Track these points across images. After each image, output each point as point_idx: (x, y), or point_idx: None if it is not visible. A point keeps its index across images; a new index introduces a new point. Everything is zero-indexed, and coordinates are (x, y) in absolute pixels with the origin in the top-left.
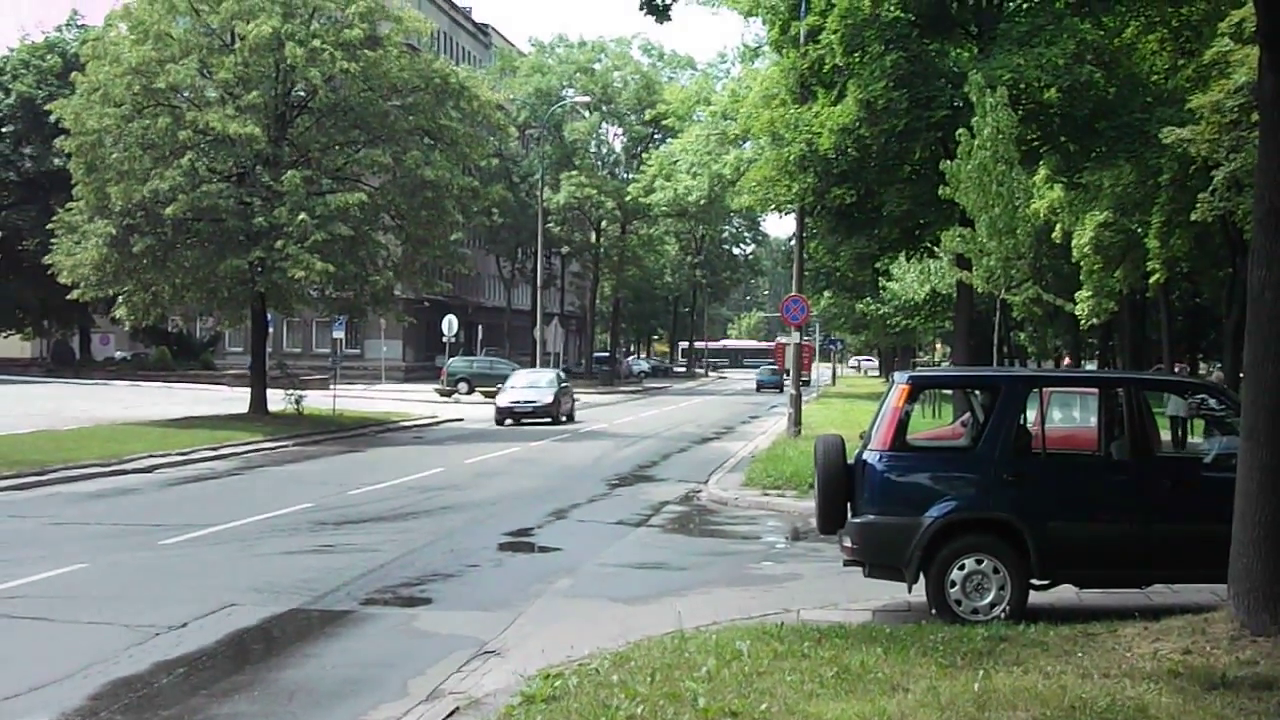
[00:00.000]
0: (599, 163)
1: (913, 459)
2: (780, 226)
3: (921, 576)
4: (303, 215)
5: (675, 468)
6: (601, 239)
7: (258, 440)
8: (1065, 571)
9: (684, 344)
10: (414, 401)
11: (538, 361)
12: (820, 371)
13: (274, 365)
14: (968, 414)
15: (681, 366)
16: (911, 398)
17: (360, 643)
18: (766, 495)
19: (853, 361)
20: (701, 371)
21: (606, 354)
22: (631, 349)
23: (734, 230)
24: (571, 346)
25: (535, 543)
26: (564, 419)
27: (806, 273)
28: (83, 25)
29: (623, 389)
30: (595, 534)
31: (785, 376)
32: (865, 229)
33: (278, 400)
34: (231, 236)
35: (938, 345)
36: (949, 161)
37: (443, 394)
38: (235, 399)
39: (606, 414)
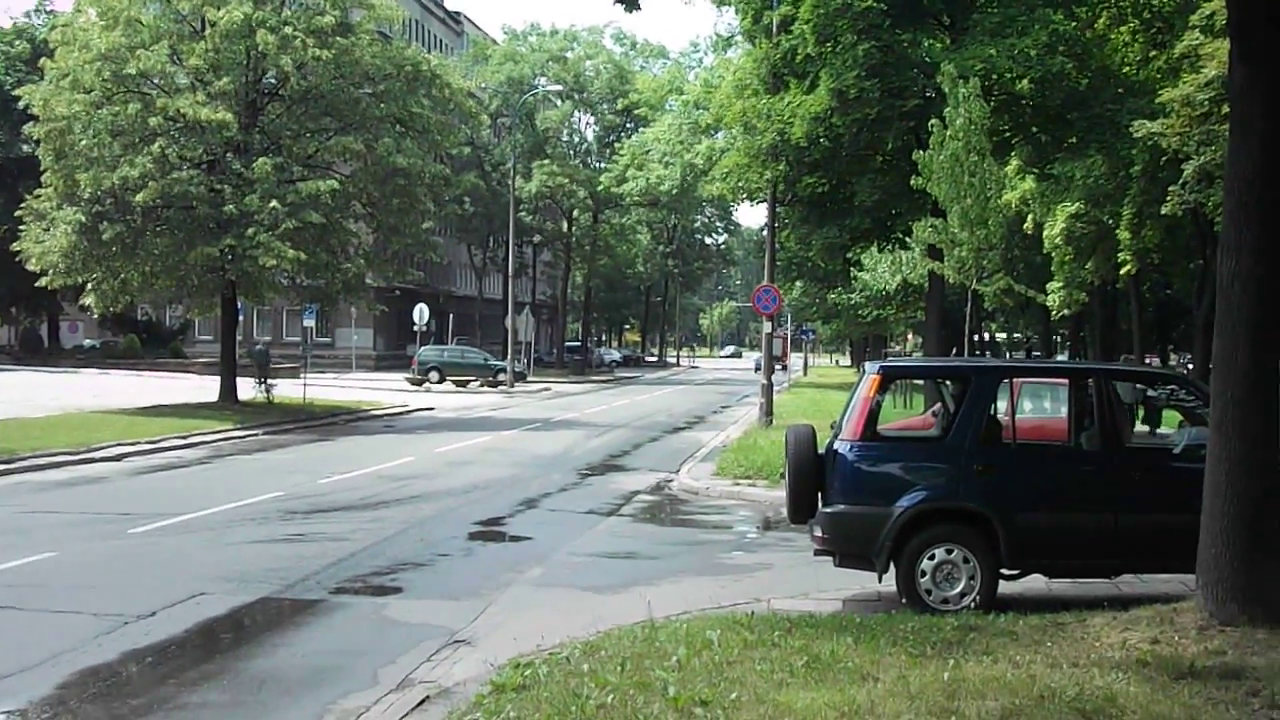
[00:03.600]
0: (571, 151)
1: (883, 449)
2: (752, 216)
3: (892, 566)
4: (274, 202)
5: (646, 457)
6: (573, 228)
7: (227, 429)
8: (1035, 561)
9: (664, 338)
10: (385, 390)
11: (508, 350)
12: (793, 363)
13: (246, 353)
14: (939, 404)
15: (653, 356)
16: (882, 388)
17: (330, 632)
18: (738, 485)
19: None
20: (674, 361)
21: (578, 343)
22: (603, 338)
23: (706, 220)
24: (543, 335)
25: (506, 532)
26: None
27: (778, 263)
28: (52, 11)
29: (594, 378)
30: (566, 523)
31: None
32: (837, 219)
33: (248, 389)
34: (202, 224)
35: (909, 336)
36: (921, 152)
37: (414, 383)
38: (205, 387)
39: (578, 403)
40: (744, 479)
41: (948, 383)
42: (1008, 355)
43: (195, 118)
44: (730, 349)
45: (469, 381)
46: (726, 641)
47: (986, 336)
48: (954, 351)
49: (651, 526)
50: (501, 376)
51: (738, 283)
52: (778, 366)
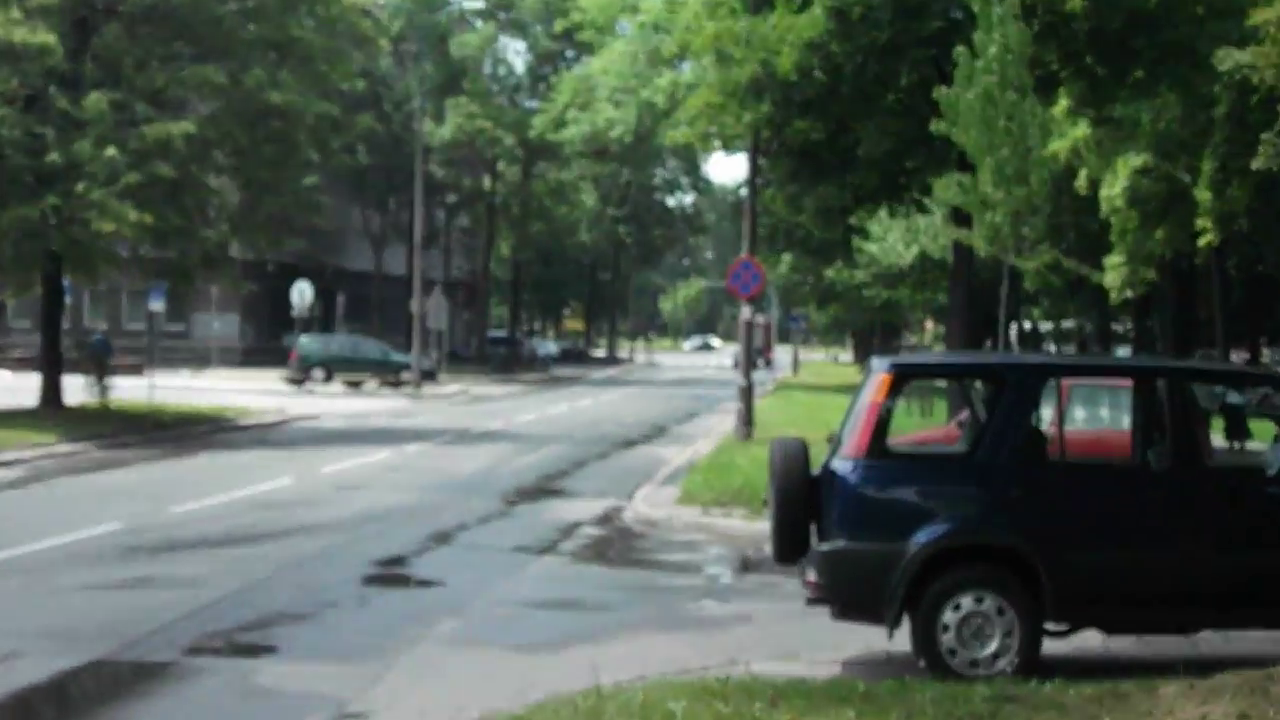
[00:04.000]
0: (495, 87)
1: (895, 469)
2: (727, 170)
3: (906, 619)
4: (111, 150)
5: (592, 479)
6: (498, 185)
7: (50, 442)
8: (1089, 613)
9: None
10: (256, 393)
11: (414, 341)
12: (779, 357)
13: (75, 345)
14: (965, 412)
15: (600, 349)
16: (894, 391)
17: (184, 705)
18: (708, 515)
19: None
20: (627, 356)
21: (504, 333)
22: (537, 327)
23: (668, 175)
24: (459, 323)
25: (411, 574)
26: None
27: (761, 230)
28: None
29: (525, 378)
30: (488, 563)
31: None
32: (836, 174)
33: (78, 391)
34: (16, 178)
35: (928, 324)
36: (944, 88)
37: (293, 383)
38: (20, 389)
39: (504, 409)
40: (716, 507)
41: (977, 384)
42: (1054, 349)
43: (8, 40)
44: (699, 340)
45: (364, 381)
46: (694, 715)
47: (1027, 326)
48: (987, 345)
49: (598, 567)
50: (406, 375)
51: (708, 256)
52: (759, 363)
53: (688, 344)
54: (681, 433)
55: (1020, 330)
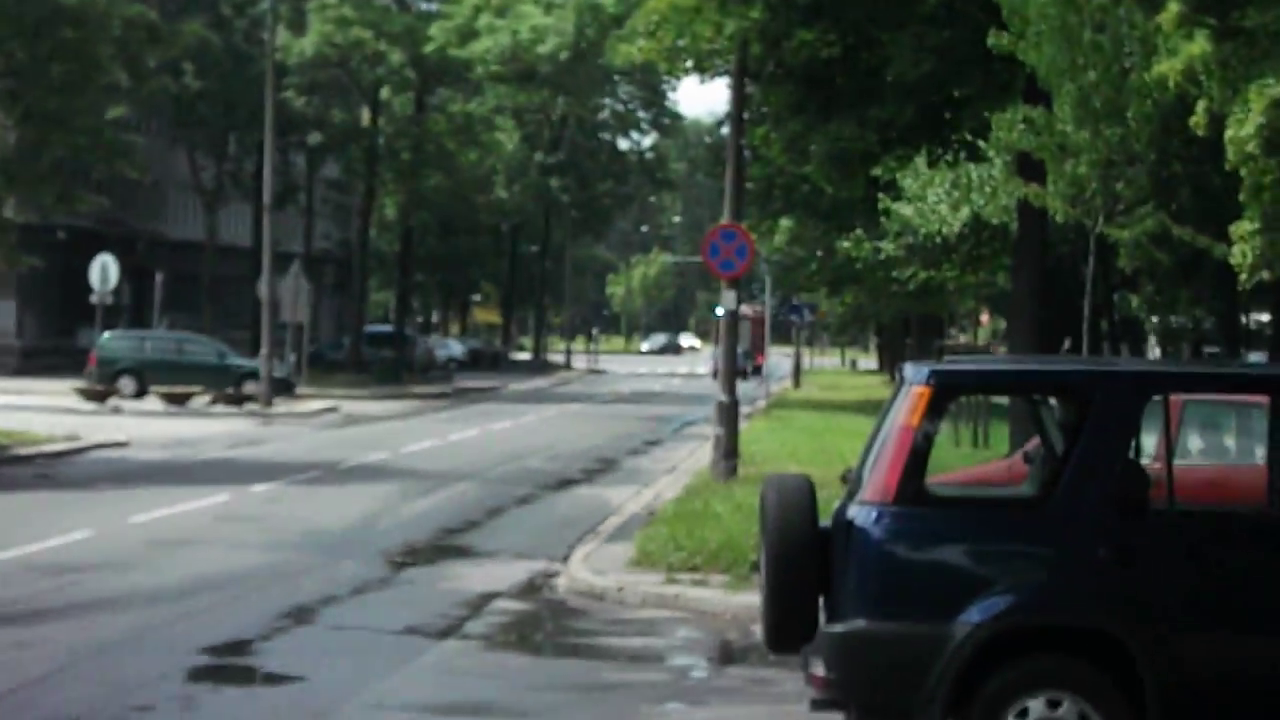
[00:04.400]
0: None
1: (937, 519)
2: (703, 101)
3: None
4: None
5: (511, 533)
6: (381, 121)
7: None
8: None
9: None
10: (40, 410)
11: (264, 339)
12: (775, 362)
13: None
14: (1036, 440)
15: (524, 351)
16: (936, 410)
17: None
18: (675, 584)
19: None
20: (560, 361)
21: (388, 327)
22: (435, 320)
23: (620, 108)
24: (327, 314)
25: (257, 666)
26: None
27: (750, 186)
28: None
29: (419, 390)
30: (365, 651)
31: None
32: (855, 106)
33: None
34: None
35: (984, 317)
36: None
37: (92, 397)
38: None
39: (388, 435)
40: (686, 573)
41: (1052, 402)
42: (1160, 353)
43: None
44: (662, 339)
45: (192, 395)
46: None
47: (1120, 318)
48: (1065, 346)
49: (520, 658)
50: (251, 386)
51: (676, 219)
52: (746, 370)
53: (646, 344)
54: (637, 468)
55: (1112, 326)
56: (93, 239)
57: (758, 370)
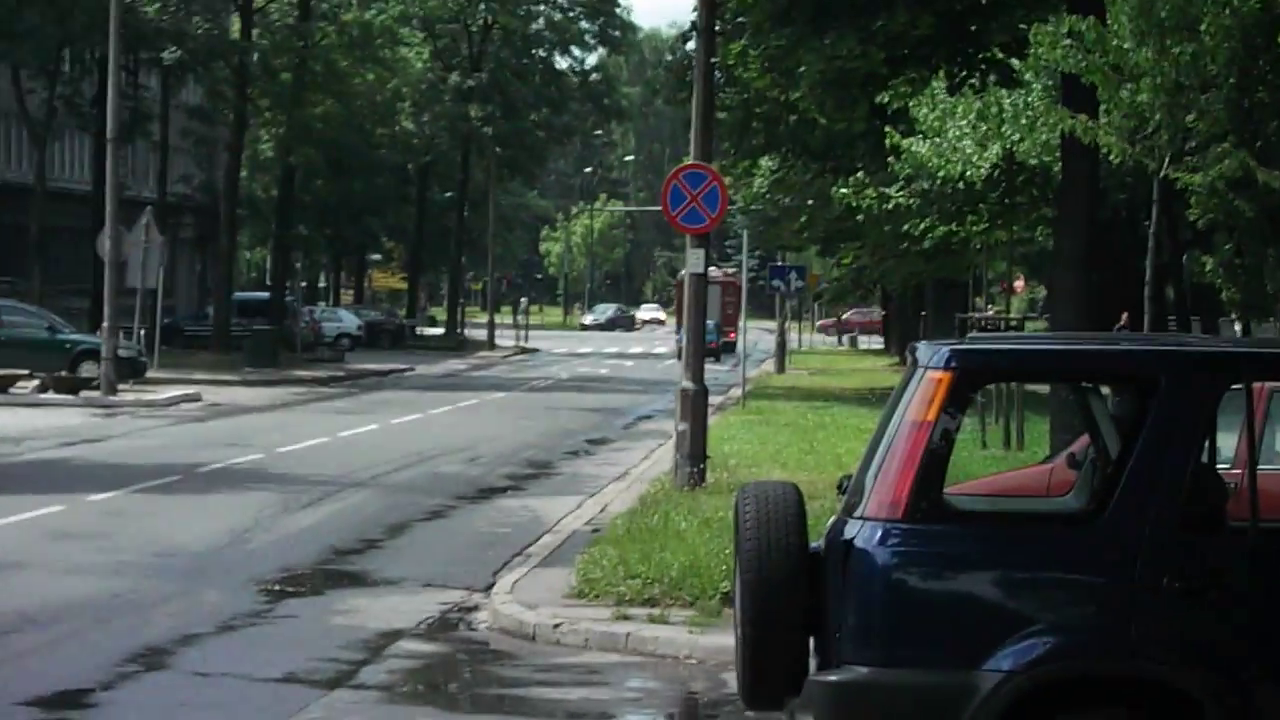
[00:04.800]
0: None
1: (958, 539)
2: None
3: None
4: None
5: (418, 554)
6: (255, 33)
7: None
8: None
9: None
10: None
11: (106, 308)
12: (754, 340)
13: None
14: (1084, 440)
15: (432, 326)
16: (957, 401)
17: None
18: (626, 621)
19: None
20: (481, 337)
21: (264, 293)
22: (323, 285)
23: (557, 16)
24: (186, 276)
25: None
26: None
27: (724, 116)
28: None
29: (302, 373)
30: (232, 705)
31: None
32: (855, 16)
33: None
34: None
35: (1018, 283)
36: None
37: None
38: None
39: (260, 429)
40: (639, 605)
41: (1104, 391)
42: (1241, 330)
43: None
44: (608, 310)
45: (14, 380)
46: None
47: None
48: (1121, 322)
49: (430, 714)
50: (89, 368)
51: (628, 160)
52: (718, 348)
53: (590, 316)
54: (578, 473)
55: (1180, 295)
56: None
57: (729, 348)
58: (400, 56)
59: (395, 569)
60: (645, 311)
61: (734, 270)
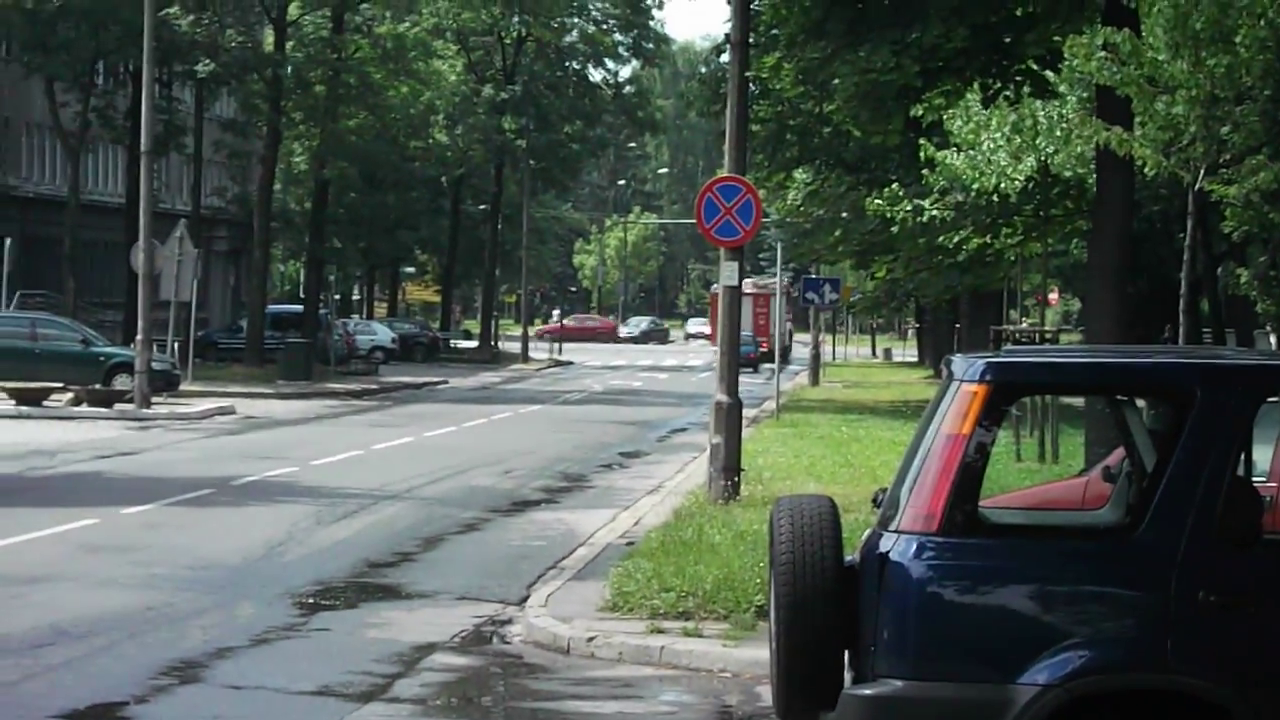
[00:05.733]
0: None
1: (994, 553)
2: (696, 21)
3: None
4: None
5: (451, 568)
6: (289, 45)
7: None
8: None
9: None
10: None
11: (140, 322)
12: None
13: None
14: (1119, 453)
15: (466, 338)
16: (992, 414)
17: None
18: (660, 634)
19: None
20: (514, 350)
21: (298, 306)
22: (358, 298)
23: (592, 28)
24: (221, 290)
25: None
26: None
27: (757, 129)
28: None
29: (336, 386)
30: (267, 718)
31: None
32: (890, 28)
33: None
34: None
35: (1053, 295)
36: None
37: None
38: None
39: (299, 442)
40: (674, 619)
41: (1140, 404)
42: (1274, 343)
43: None
44: (644, 323)
45: (48, 392)
46: None
47: (1226, 297)
48: (1165, 335)
49: None
50: (123, 381)
51: (662, 172)
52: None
53: (626, 328)
54: (612, 486)
55: (1216, 307)
56: None
57: (762, 358)
58: (434, 69)
59: (429, 582)
60: (693, 326)
61: (769, 282)
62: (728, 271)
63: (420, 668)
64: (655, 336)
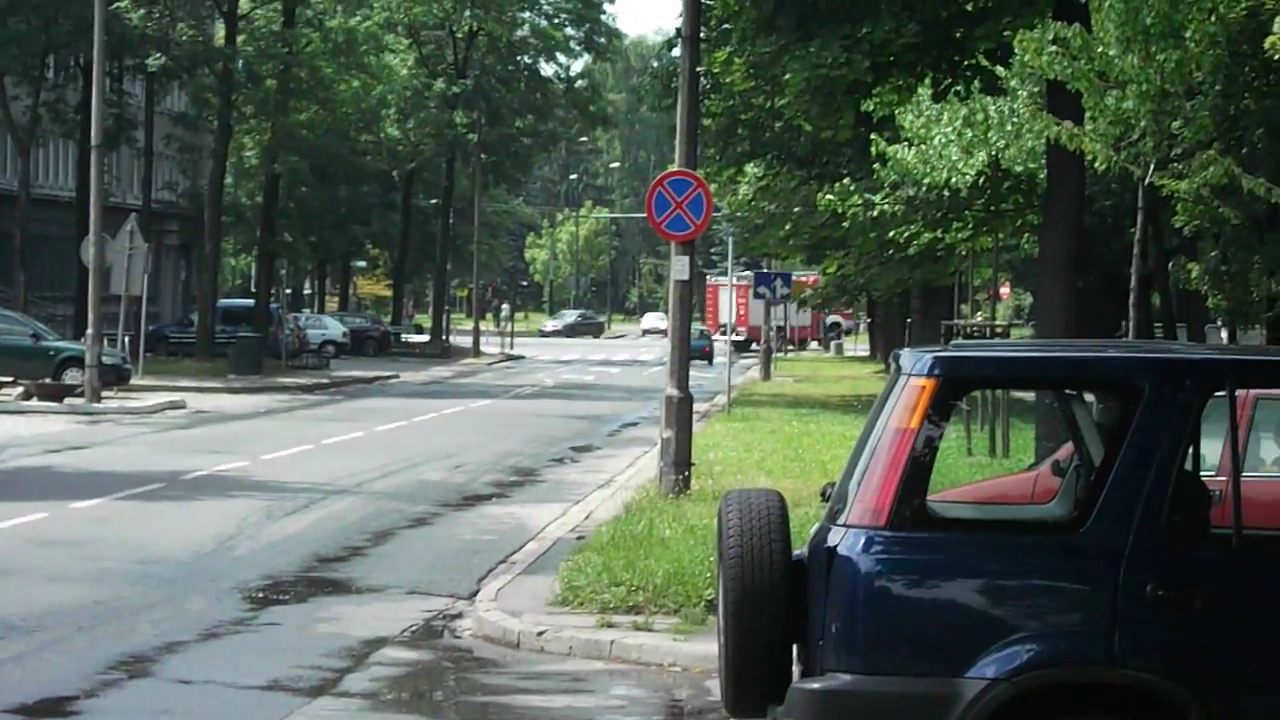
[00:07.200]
0: None
1: (943, 547)
2: (647, 14)
3: None
4: None
5: (402, 561)
6: (240, 39)
7: None
8: None
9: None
10: None
11: (90, 315)
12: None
13: None
14: (1068, 447)
15: (417, 333)
16: (940, 408)
17: None
18: (610, 628)
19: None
20: (465, 344)
21: (248, 300)
22: (308, 292)
23: (543, 22)
24: (171, 283)
25: None
26: None
27: (709, 121)
28: None
29: (287, 380)
30: (216, 713)
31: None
32: (841, 23)
33: None
34: None
35: (1004, 289)
36: None
37: None
38: None
39: (249, 437)
40: (623, 613)
41: (1088, 398)
42: (1227, 337)
43: None
44: (570, 316)
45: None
46: None
47: (1176, 292)
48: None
49: None
50: (73, 375)
51: (613, 166)
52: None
53: (550, 322)
54: (563, 480)
55: (1166, 302)
56: None
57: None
58: (385, 63)
59: (379, 576)
60: (649, 320)
61: (724, 279)
62: (678, 266)
63: (370, 662)
64: (584, 330)
